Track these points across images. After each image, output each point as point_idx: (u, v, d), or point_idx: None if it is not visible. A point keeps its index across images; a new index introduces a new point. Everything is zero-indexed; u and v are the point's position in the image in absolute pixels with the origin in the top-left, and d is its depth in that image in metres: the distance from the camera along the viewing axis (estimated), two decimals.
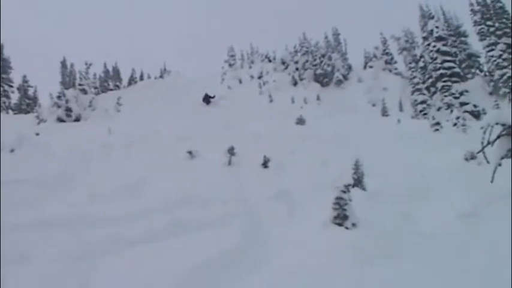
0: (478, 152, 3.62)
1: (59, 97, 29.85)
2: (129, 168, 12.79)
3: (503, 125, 3.48)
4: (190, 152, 14.24)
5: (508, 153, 3.55)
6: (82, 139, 16.73)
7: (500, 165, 3.56)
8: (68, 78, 60.50)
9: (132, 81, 69.41)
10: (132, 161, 13.82)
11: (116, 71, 69.68)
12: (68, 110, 28.98)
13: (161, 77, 70.25)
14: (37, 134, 18.09)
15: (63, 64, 62.72)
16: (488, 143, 3.54)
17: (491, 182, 3.61)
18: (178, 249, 7.59)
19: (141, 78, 71.41)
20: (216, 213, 9.54)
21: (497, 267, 6.77)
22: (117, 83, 68.03)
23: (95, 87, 52.36)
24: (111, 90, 61.66)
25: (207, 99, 37.13)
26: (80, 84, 34.26)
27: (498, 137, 3.53)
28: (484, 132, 3.54)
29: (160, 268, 6.90)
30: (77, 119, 29.08)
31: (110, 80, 68.02)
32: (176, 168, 13.15)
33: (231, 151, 13.82)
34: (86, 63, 35.58)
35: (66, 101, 29.19)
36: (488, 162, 3.65)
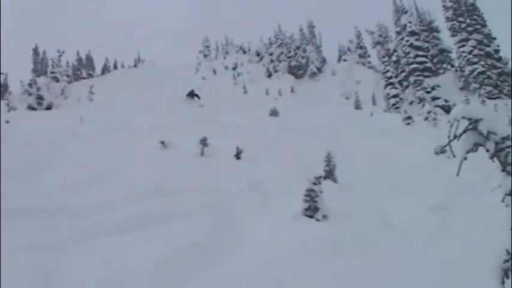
0: (444, 146, 3.67)
1: (30, 85, 29.30)
2: (100, 158, 12.64)
3: (469, 119, 3.54)
4: (163, 142, 14.15)
5: (474, 147, 3.61)
6: (53, 127, 16.47)
7: (466, 159, 3.62)
8: (39, 66, 59.34)
9: (105, 70, 68.48)
10: (104, 150, 13.65)
11: (89, 59, 68.67)
12: (40, 98, 28.47)
13: (135, 66, 69.54)
14: (7, 122, 17.77)
15: (35, 51, 61.55)
16: (455, 137, 3.59)
17: (457, 175, 3.67)
18: (148, 240, 7.56)
19: (115, 67, 70.53)
20: (187, 204, 9.50)
21: (466, 259, 6.91)
22: (91, 72, 67.04)
23: (68, 76, 51.58)
24: (84, 78, 60.69)
25: (191, 95, 33.49)
26: (52, 72, 33.68)
27: (464, 131, 3.59)
28: (451, 127, 3.59)
29: (129, 259, 6.87)
30: (49, 107, 28.59)
31: (83, 68, 66.99)
32: (148, 158, 13.05)
33: (203, 142, 13.76)
34: (59, 51, 34.98)
35: (38, 89, 28.67)
36: (454, 156, 3.71)
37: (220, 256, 7.27)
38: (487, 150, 3.58)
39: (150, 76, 48.81)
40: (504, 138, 3.49)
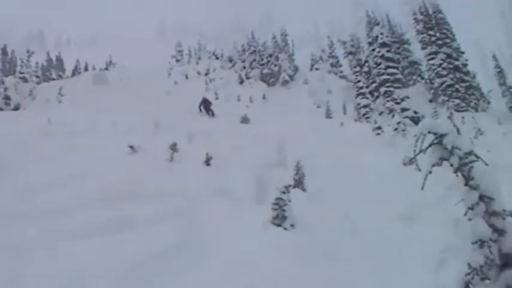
0: (411, 160, 3.74)
1: None
2: (68, 160, 12.46)
3: (435, 134, 3.61)
4: (132, 147, 14.03)
5: (439, 161, 3.68)
6: (20, 128, 16.21)
7: (431, 172, 3.69)
8: (8, 66, 58.34)
9: (76, 72, 67.60)
10: (72, 152, 13.46)
11: (60, 60, 67.74)
12: (7, 98, 28.03)
13: (106, 69, 68.87)
14: None
15: (4, 51, 60.42)
16: (421, 151, 3.66)
17: (422, 189, 3.73)
18: (115, 245, 7.48)
19: (86, 69, 69.74)
20: (156, 209, 9.43)
21: (429, 270, 7.01)
22: (60, 73, 66.12)
23: (37, 76, 50.85)
24: (54, 80, 59.84)
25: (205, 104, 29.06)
26: (20, 72, 33.18)
27: (430, 145, 3.66)
28: (417, 140, 3.66)
29: (96, 263, 6.79)
30: (16, 108, 28.16)
31: (53, 69, 66.03)
32: (117, 162, 12.92)
33: (173, 147, 13.69)
34: (28, 51, 34.49)
35: (5, 89, 28.23)
36: (419, 170, 3.78)
37: (188, 263, 7.23)
38: (451, 165, 3.66)
39: (121, 79, 48.38)
40: (467, 154, 3.57)
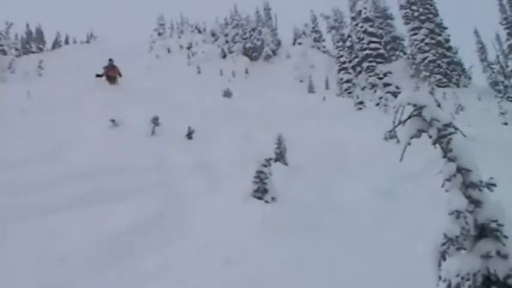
0: (390, 131, 3.75)
1: None
2: (47, 135, 12.33)
3: (414, 105, 3.62)
4: (113, 120, 13.91)
5: (418, 133, 3.70)
6: None
7: (410, 144, 3.71)
8: None
9: (56, 44, 66.55)
10: (51, 127, 13.32)
11: (40, 32, 66.52)
12: None
13: (88, 42, 67.95)
14: None
15: None
16: (400, 122, 3.66)
17: (400, 160, 3.76)
18: (95, 218, 7.46)
19: (67, 42, 68.69)
20: (136, 182, 9.41)
21: (406, 242, 7.09)
22: (41, 46, 65.02)
23: (16, 49, 50.06)
24: (34, 52, 58.84)
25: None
26: None
27: (409, 117, 3.66)
28: (396, 112, 3.67)
29: (75, 236, 6.77)
30: None
31: (33, 42, 64.88)
32: (98, 135, 12.82)
33: (155, 121, 13.60)
34: (7, 23, 33.88)
35: None
36: (398, 141, 3.80)
37: (167, 236, 7.24)
38: (430, 137, 3.67)
39: (102, 52, 47.75)
40: (446, 125, 3.58)
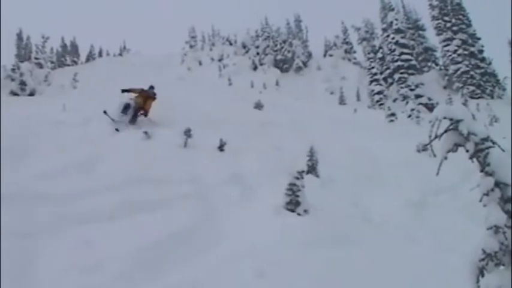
0: (426, 145, 3.74)
1: (13, 70, 28.92)
2: (82, 146, 12.56)
3: (450, 119, 3.61)
4: (146, 132, 14.08)
5: (454, 147, 3.68)
6: (35, 114, 16.30)
7: (446, 158, 3.69)
8: (23, 51, 58.67)
9: (90, 57, 68.02)
10: (86, 139, 13.56)
11: (74, 46, 68.12)
12: (22, 83, 28.18)
13: (120, 54, 69.18)
14: None
15: (19, 36, 60.84)
16: (436, 136, 3.66)
17: (437, 174, 3.74)
18: (128, 229, 7.55)
19: (100, 55, 70.09)
20: (169, 194, 9.48)
21: (441, 255, 7.02)
22: (75, 59, 66.51)
23: (52, 62, 51.24)
24: (69, 65, 60.15)
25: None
26: (35, 58, 33.43)
27: (445, 131, 3.65)
28: (432, 126, 3.66)
29: (109, 247, 6.87)
30: (31, 94, 28.33)
31: (68, 55, 66.40)
32: (131, 147, 12.98)
33: (187, 133, 13.71)
34: (43, 37, 34.70)
35: (21, 74, 28.37)
36: (435, 155, 3.79)
37: (198, 247, 7.29)
38: (467, 151, 3.65)
39: (135, 65, 48.59)
40: (484, 139, 3.56)
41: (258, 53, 56.79)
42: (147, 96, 16.40)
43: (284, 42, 58.15)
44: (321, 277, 6.16)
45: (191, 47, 67.75)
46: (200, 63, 54.18)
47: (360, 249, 7.30)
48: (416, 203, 10.55)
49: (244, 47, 59.99)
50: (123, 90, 16.66)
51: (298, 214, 8.52)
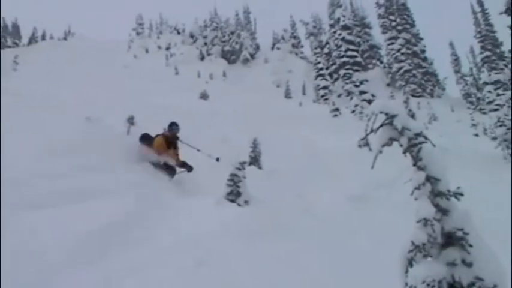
0: (362, 139, 3.83)
1: None
2: (23, 132, 12.16)
3: (386, 114, 3.70)
4: (88, 118, 13.77)
5: (389, 142, 3.78)
6: None
7: (381, 152, 3.79)
8: None
9: (33, 40, 65.91)
10: (26, 123, 13.14)
11: (16, 27, 65.88)
12: None
13: (65, 39, 67.35)
14: None
15: None
16: (371, 130, 3.75)
17: (372, 168, 3.84)
18: (70, 216, 7.37)
19: (43, 38, 68.00)
20: (112, 182, 9.32)
21: (377, 249, 7.19)
22: (16, 41, 64.27)
23: None
24: (9, 47, 58.06)
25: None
26: None
27: (381, 125, 3.75)
28: (369, 120, 3.75)
29: (51, 233, 6.68)
30: None
31: (9, 36, 64.08)
32: (73, 132, 12.66)
33: (130, 120, 13.52)
34: None
35: None
36: (370, 149, 3.89)
37: (139, 236, 7.20)
38: (401, 145, 3.75)
39: (79, 50, 47.36)
40: (417, 135, 3.67)
41: (205, 43, 56.60)
42: (167, 141, 12.14)
43: (232, 33, 58.14)
44: (260, 268, 6.21)
45: (138, 34, 66.80)
46: (147, 51, 53.54)
47: (299, 242, 7.37)
48: (358, 197, 10.78)
49: (192, 36, 59.67)
50: (143, 138, 12.48)
51: (239, 205, 8.55)
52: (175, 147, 12.15)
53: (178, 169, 11.95)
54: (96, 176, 9.44)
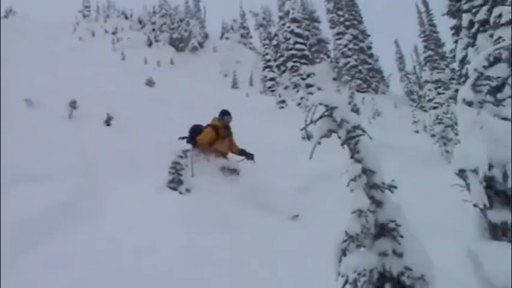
0: (302, 129, 3.89)
1: None
2: None
3: (326, 106, 3.77)
4: (28, 100, 13.33)
5: (328, 133, 3.85)
6: None
7: (320, 143, 3.86)
8: None
9: None
10: None
11: None
12: None
13: (6, 17, 64.86)
14: None
15: None
16: (311, 121, 3.81)
17: (310, 158, 3.91)
18: (8, 202, 7.15)
19: None
20: (51, 167, 9.08)
21: (316, 239, 7.31)
22: None
23: None
24: None
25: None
26: None
27: (320, 117, 3.82)
28: (309, 111, 3.81)
29: None
30: None
31: None
32: (12, 115, 12.27)
33: (72, 104, 13.17)
34: None
35: None
36: (309, 139, 3.99)
37: (81, 221, 7.08)
38: (339, 137, 3.83)
39: (21, 29, 45.70)
40: (355, 127, 3.75)
41: (153, 30, 55.85)
42: (219, 132, 11.53)
43: (181, 20, 57.55)
44: (201, 257, 6.21)
45: (84, 16, 65.14)
46: (93, 35, 52.36)
47: (240, 231, 7.42)
48: (301, 188, 10.95)
49: (140, 22, 58.80)
50: (189, 136, 11.90)
51: (180, 193, 8.54)
52: (229, 136, 11.77)
53: (237, 158, 11.70)
54: (33, 161, 9.18)
